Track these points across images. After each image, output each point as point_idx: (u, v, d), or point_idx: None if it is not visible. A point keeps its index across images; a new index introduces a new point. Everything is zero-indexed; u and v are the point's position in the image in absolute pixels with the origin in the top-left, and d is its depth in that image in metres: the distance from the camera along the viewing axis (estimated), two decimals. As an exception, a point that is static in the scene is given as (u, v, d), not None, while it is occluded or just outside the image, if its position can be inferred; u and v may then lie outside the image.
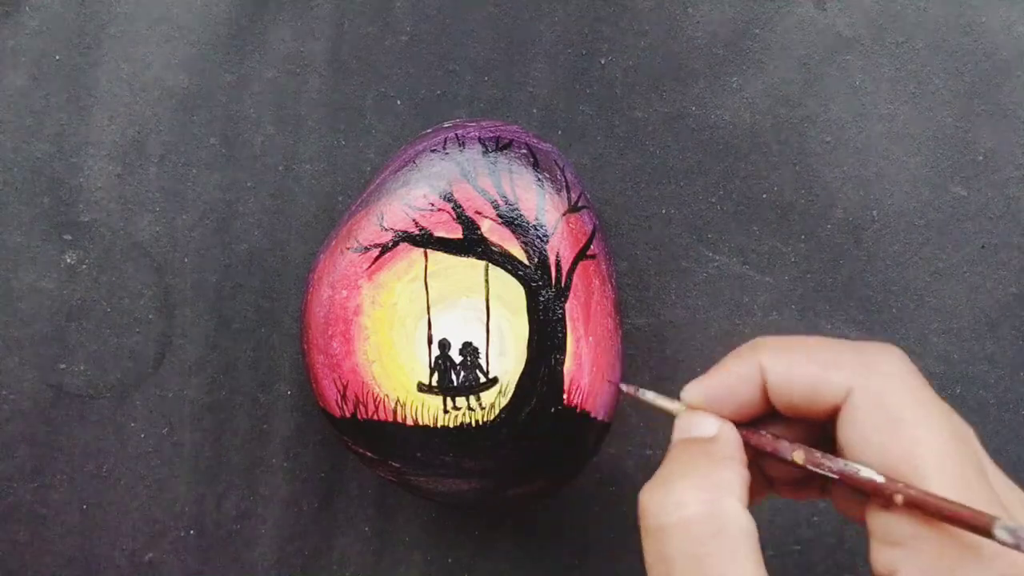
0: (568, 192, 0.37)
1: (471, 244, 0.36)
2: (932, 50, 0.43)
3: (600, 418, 0.37)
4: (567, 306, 0.36)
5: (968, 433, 0.27)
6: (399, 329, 0.36)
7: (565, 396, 0.36)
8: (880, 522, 0.26)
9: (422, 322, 0.36)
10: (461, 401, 0.36)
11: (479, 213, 0.36)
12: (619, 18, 0.44)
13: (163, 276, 0.43)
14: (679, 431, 0.29)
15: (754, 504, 0.27)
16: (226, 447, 0.43)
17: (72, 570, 0.43)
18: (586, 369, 0.36)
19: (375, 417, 0.36)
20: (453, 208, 0.36)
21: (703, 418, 0.29)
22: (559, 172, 0.38)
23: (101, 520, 0.43)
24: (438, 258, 0.36)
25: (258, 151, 0.43)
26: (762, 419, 0.29)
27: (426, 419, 0.36)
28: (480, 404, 0.36)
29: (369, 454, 0.37)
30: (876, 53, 0.43)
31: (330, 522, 0.43)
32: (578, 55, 0.43)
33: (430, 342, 0.36)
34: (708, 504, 0.26)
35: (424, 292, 0.36)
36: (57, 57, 0.43)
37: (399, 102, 0.43)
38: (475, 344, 0.36)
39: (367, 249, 0.36)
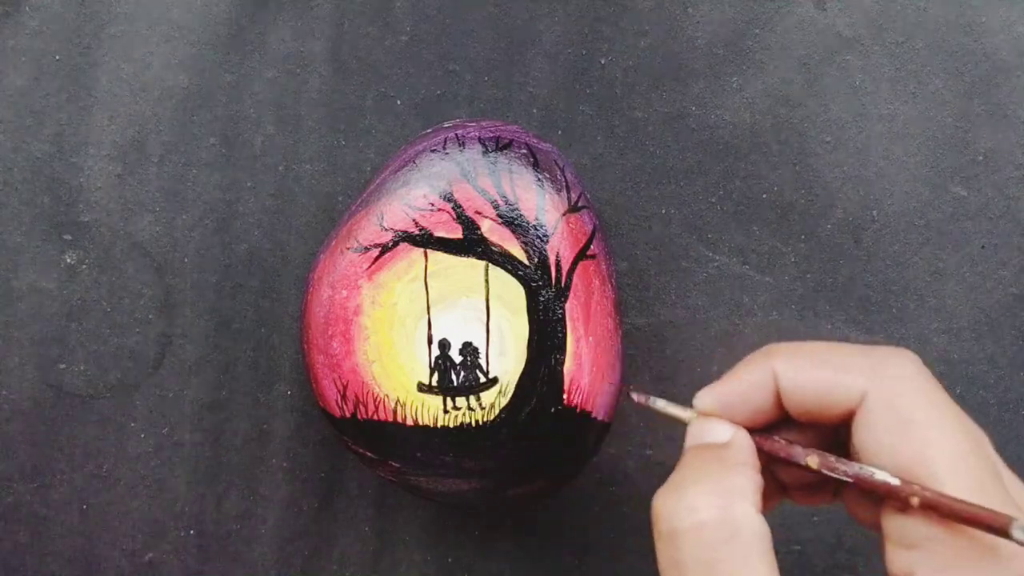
0: (568, 192, 0.37)
1: (471, 244, 0.36)
2: (932, 50, 0.43)
3: (600, 418, 0.37)
4: (567, 306, 0.36)
5: (982, 437, 0.27)
6: (399, 329, 0.36)
7: (565, 396, 0.36)
8: (896, 525, 0.26)
9: (422, 322, 0.36)
10: (461, 401, 0.36)
11: (479, 213, 0.36)
12: (619, 18, 0.44)
13: (163, 276, 0.43)
14: (692, 437, 0.29)
15: (767, 511, 0.27)
16: (226, 447, 0.43)
17: (72, 570, 0.43)
18: (586, 369, 0.36)
19: (375, 417, 0.36)
20: (453, 208, 0.36)
21: (716, 424, 0.29)
22: (559, 172, 0.38)
23: (101, 520, 0.43)
24: (438, 258, 0.36)
25: (258, 151, 0.43)
26: (774, 425, 0.29)
27: (426, 419, 0.36)
28: (480, 404, 0.36)
29: (369, 454, 0.37)
30: (876, 53, 0.43)
31: (330, 522, 0.43)
32: (578, 55, 0.43)
33: (430, 342, 0.36)
34: (721, 509, 0.26)
35: (424, 292, 0.36)
36: (57, 57, 0.43)
37: (399, 102, 0.43)
38: (475, 344, 0.36)
39: (367, 249, 0.36)
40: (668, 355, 0.43)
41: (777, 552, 0.26)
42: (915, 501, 0.25)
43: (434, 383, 0.36)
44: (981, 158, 0.43)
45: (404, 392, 0.36)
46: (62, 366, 0.43)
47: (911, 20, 0.43)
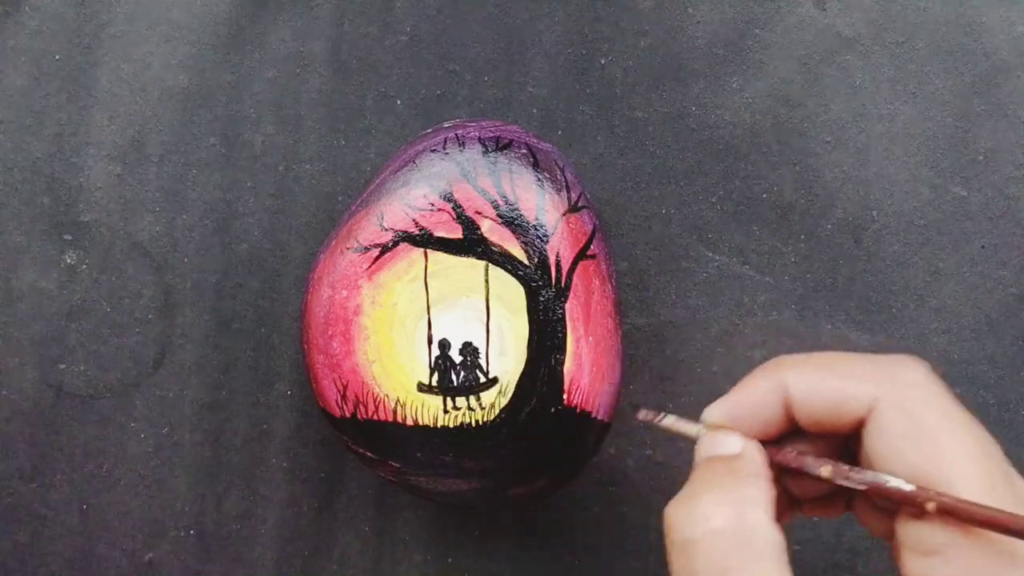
0: (568, 192, 0.37)
1: (471, 244, 0.36)
2: (932, 50, 0.43)
3: (600, 418, 0.37)
4: (567, 306, 0.36)
5: (993, 442, 0.27)
6: (399, 329, 0.36)
7: (565, 396, 0.36)
8: (911, 532, 0.26)
9: (422, 322, 0.36)
10: (461, 401, 0.36)
11: (479, 213, 0.36)
12: (619, 18, 0.44)
13: (163, 276, 0.43)
14: (703, 450, 0.29)
15: (780, 524, 0.27)
16: (226, 447, 0.43)
17: (72, 570, 0.43)
18: (586, 369, 0.36)
19: (375, 417, 0.36)
20: (453, 208, 0.36)
21: (727, 436, 0.29)
22: (559, 172, 0.38)
23: (101, 520, 0.43)
24: (438, 258, 0.36)
25: (258, 151, 0.43)
26: (782, 438, 0.29)
27: (426, 419, 0.36)
28: (480, 404, 0.36)
29: (369, 454, 0.37)
30: (876, 53, 0.43)
31: (330, 522, 0.43)
32: (578, 55, 0.43)
33: (430, 342, 0.36)
34: (734, 518, 0.26)
35: (424, 292, 0.36)
36: (57, 57, 0.43)
37: (399, 102, 0.43)
38: (475, 344, 0.36)
39: (367, 249, 0.36)
40: (668, 355, 0.43)
41: (777, 552, 0.26)
42: (931, 506, 0.25)
43: (434, 383, 0.36)
44: (981, 158, 0.43)
45: (404, 392, 0.36)
46: (62, 366, 0.43)
47: (911, 20, 0.43)
